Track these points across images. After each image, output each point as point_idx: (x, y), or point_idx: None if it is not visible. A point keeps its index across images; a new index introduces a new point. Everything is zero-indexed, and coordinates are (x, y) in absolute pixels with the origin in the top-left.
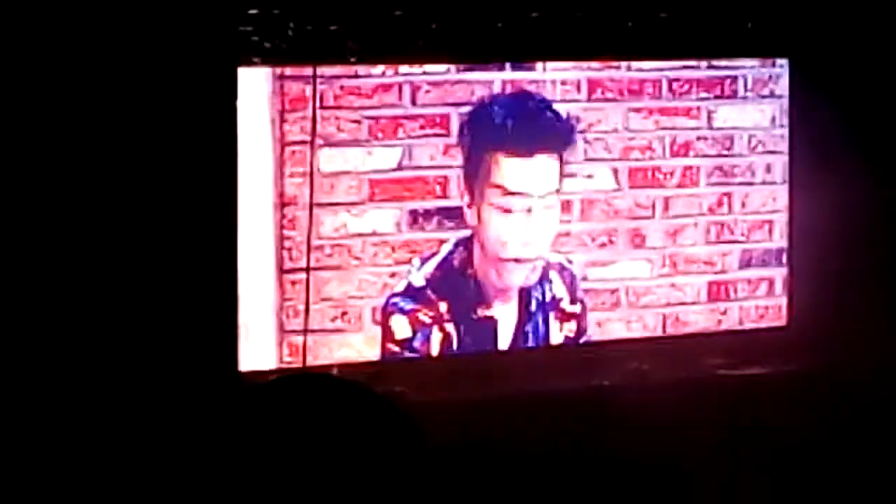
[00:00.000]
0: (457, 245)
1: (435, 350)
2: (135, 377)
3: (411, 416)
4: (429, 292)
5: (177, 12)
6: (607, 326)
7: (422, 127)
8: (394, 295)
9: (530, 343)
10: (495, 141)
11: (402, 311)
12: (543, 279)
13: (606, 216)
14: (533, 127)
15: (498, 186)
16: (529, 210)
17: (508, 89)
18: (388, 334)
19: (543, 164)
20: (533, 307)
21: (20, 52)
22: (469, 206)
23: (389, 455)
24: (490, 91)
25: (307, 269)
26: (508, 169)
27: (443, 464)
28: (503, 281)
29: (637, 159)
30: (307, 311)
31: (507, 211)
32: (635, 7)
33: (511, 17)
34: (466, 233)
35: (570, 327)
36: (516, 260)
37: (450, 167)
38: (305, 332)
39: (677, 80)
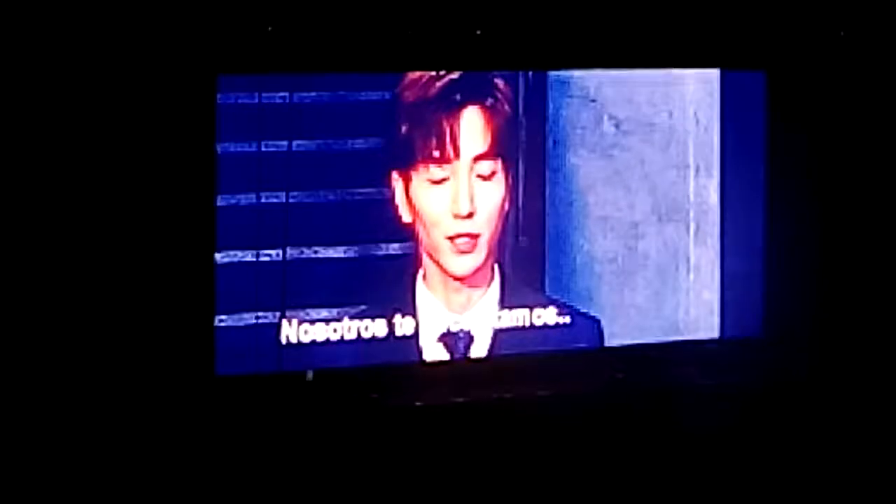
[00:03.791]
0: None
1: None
2: (114, 380)
3: (390, 421)
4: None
5: (159, 20)
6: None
7: None
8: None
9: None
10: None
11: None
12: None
13: None
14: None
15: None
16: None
17: None
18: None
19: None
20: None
21: (7, 53)
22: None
23: (368, 456)
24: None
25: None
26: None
27: (421, 468)
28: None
29: None
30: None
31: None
32: (611, 18)
33: (491, 26)
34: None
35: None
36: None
37: None
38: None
39: None
